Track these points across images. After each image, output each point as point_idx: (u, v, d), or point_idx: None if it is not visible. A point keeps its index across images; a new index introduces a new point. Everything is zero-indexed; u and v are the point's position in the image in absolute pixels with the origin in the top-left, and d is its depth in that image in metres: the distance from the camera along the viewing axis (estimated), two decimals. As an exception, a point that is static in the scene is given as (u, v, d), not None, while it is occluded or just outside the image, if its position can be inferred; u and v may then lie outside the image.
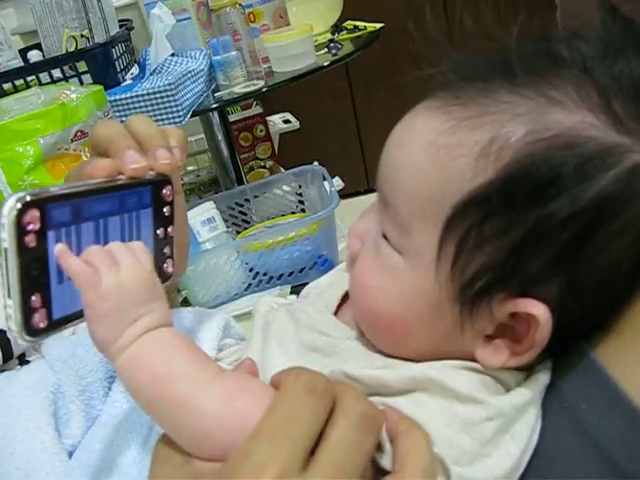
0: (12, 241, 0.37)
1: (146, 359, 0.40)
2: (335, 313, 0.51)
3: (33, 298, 0.39)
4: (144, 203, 0.48)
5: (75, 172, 0.51)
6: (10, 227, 0.37)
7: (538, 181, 0.37)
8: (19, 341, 0.39)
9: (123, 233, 0.46)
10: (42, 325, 0.39)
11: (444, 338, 0.42)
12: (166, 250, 0.51)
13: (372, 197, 0.47)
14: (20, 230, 0.38)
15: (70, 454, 0.52)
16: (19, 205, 0.38)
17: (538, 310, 0.38)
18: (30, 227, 0.38)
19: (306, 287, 0.58)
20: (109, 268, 0.41)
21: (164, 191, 0.50)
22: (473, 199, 0.38)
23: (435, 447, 0.37)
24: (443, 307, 0.41)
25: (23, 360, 0.80)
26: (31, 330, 0.39)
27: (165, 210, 0.50)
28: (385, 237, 0.44)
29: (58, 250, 0.40)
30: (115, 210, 0.45)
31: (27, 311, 0.38)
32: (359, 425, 0.35)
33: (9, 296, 0.38)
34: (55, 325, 0.41)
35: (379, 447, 0.37)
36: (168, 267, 0.51)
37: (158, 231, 0.50)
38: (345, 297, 0.51)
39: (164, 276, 0.51)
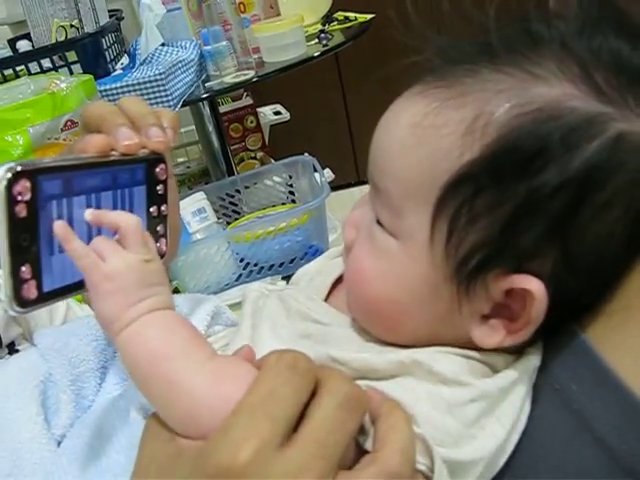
0: (2, 211, 0.37)
1: (145, 337, 0.40)
2: (325, 300, 0.51)
3: (23, 269, 0.39)
4: (137, 180, 0.48)
5: (68, 150, 0.51)
6: (0, 197, 0.37)
7: (525, 154, 0.37)
8: (9, 312, 0.39)
9: (115, 209, 0.46)
10: (32, 296, 0.39)
11: (441, 320, 0.42)
12: (159, 228, 0.51)
13: (363, 189, 0.48)
14: (10, 200, 0.38)
15: (59, 444, 0.52)
16: (9, 175, 0.37)
17: (533, 285, 0.38)
18: (20, 197, 0.38)
19: (295, 274, 0.58)
20: (115, 251, 0.42)
21: (157, 169, 0.50)
22: (462, 176, 0.39)
23: (419, 428, 0.38)
24: (440, 287, 0.41)
25: (12, 349, 0.80)
26: (21, 301, 0.39)
27: (159, 188, 0.50)
28: (379, 223, 0.44)
29: (59, 229, 0.40)
30: (107, 185, 0.45)
31: (17, 282, 0.38)
32: (343, 405, 0.35)
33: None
34: (46, 297, 0.41)
35: (362, 429, 0.38)
36: (162, 245, 0.52)
37: (151, 209, 0.50)
38: (334, 284, 0.51)
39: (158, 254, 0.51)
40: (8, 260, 0.38)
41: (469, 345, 0.42)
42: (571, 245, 0.38)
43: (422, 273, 0.42)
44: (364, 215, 0.46)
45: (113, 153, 0.47)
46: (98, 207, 0.44)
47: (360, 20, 1.64)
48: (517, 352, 0.43)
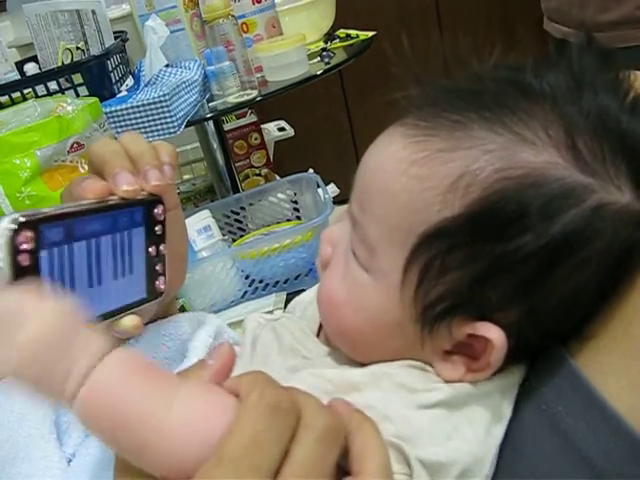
0: (6, 261, 0.39)
1: (98, 406, 0.34)
2: (319, 330, 0.52)
3: None
4: (136, 222, 0.49)
5: (68, 188, 0.52)
6: (4, 247, 0.38)
7: (503, 218, 0.38)
8: None
9: (115, 252, 0.47)
10: None
11: (405, 351, 0.44)
12: (158, 267, 0.52)
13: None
14: (14, 250, 0.39)
15: (69, 462, 0.53)
16: (13, 226, 0.39)
17: (494, 334, 0.40)
18: (23, 247, 0.39)
19: (292, 302, 0.59)
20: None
21: (156, 210, 0.51)
22: (439, 231, 0.40)
23: (393, 425, 0.39)
24: (405, 325, 0.43)
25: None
26: None
27: (157, 229, 0.51)
28: (353, 252, 0.45)
29: None
30: (107, 229, 0.47)
31: None
32: (323, 439, 0.35)
33: None
34: None
35: None
36: (160, 284, 0.52)
37: (150, 249, 0.51)
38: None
39: (155, 293, 0.52)
40: None
41: None
42: (538, 301, 0.40)
43: (389, 310, 0.43)
44: (341, 234, 0.47)
45: (112, 197, 0.48)
46: (98, 251, 0.46)
47: (362, 38, 1.66)
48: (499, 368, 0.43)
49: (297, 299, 0.59)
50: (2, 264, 0.39)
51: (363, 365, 0.45)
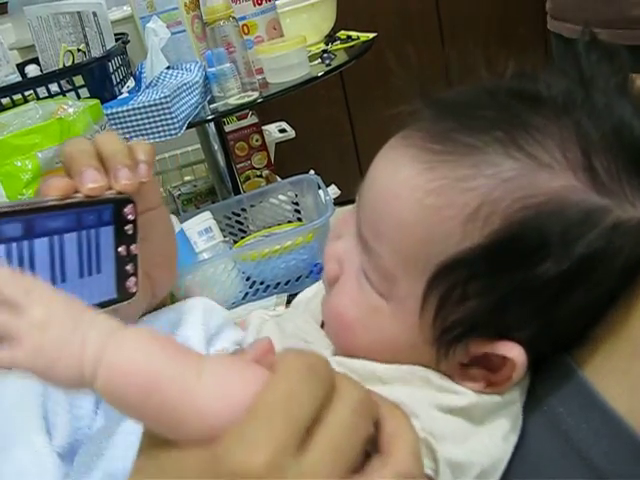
0: None
1: (123, 377, 0.35)
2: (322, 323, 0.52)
3: None
4: (104, 221, 0.49)
5: (36, 191, 0.51)
6: None
7: (524, 247, 0.38)
8: None
9: (81, 250, 0.47)
10: None
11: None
12: (129, 268, 0.51)
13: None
14: None
15: (58, 455, 0.53)
16: None
17: (514, 353, 0.40)
18: None
19: (295, 298, 0.59)
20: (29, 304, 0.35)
21: (125, 210, 0.50)
22: (458, 262, 0.39)
23: (420, 423, 0.38)
24: (419, 347, 0.43)
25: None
26: None
27: (127, 228, 0.51)
28: (365, 275, 0.44)
29: None
30: (71, 227, 0.46)
31: None
32: (357, 411, 0.35)
33: None
34: None
35: None
36: (131, 285, 0.52)
37: (119, 249, 0.50)
38: None
39: (127, 294, 0.51)
40: None
41: None
42: (556, 317, 0.40)
43: (404, 334, 0.43)
44: (348, 252, 0.46)
45: (77, 195, 0.47)
46: (62, 248, 0.45)
47: (363, 39, 1.66)
48: None
49: (300, 295, 0.58)
50: None
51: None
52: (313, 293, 0.57)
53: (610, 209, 0.38)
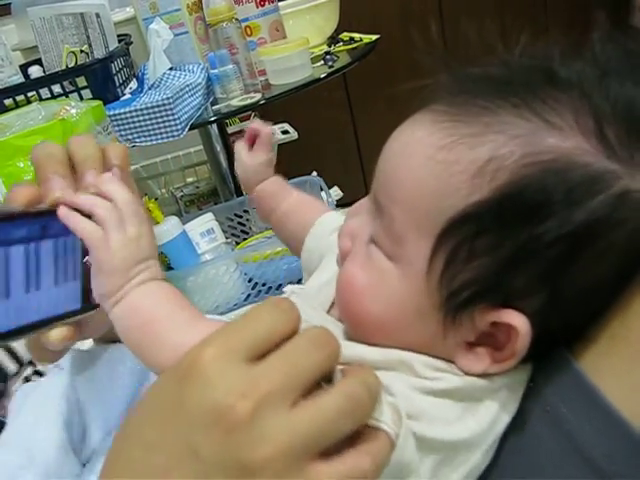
0: None
1: (136, 306, 0.45)
2: (328, 311, 0.52)
3: None
4: (69, 230, 0.47)
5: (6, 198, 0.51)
6: None
7: (531, 203, 0.38)
8: None
9: (44, 260, 0.46)
10: None
11: (426, 343, 0.43)
12: None
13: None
14: None
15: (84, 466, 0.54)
16: None
17: (518, 321, 0.39)
18: None
19: (308, 282, 0.59)
20: (117, 228, 0.46)
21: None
22: (467, 216, 0.39)
23: (393, 397, 0.39)
24: (427, 313, 0.42)
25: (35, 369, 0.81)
26: None
27: None
28: (375, 242, 0.45)
29: (63, 212, 0.45)
30: (34, 236, 0.45)
31: None
32: (313, 340, 0.37)
33: None
34: None
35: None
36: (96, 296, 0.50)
37: (85, 259, 0.49)
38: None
39: (92, 305, 0.50)
40: None
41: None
42: (562, 288, 0.40)
43: (412, 298, 0.43)
44: (361, 226, 0.47)
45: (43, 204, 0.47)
46: (27, 257, 0.45)
47: (365, 41, 1.66)
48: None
49: (312, 281, 0.58)
50: None
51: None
52: (327, 279, 0.56)
53: (619, 175, 0.38)
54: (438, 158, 0.41)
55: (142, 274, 0.46)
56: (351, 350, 0.43)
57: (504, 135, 0.40)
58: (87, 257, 0.48)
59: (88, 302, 0.49)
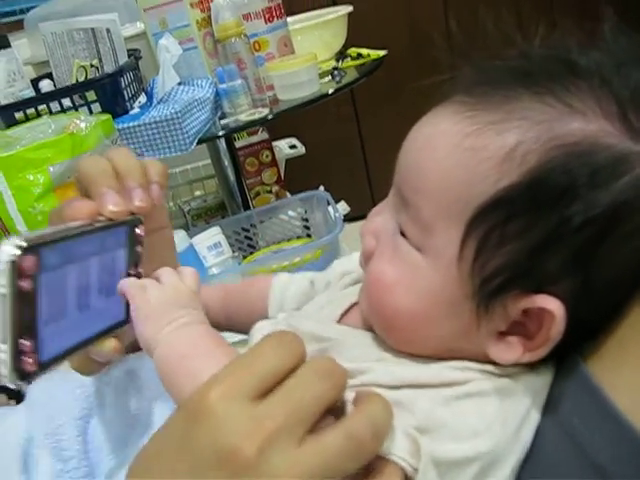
0: (10, 287, 0.38)
1: (175, 344, 0.45)
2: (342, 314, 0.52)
3: (23, 342, 0.39)
4: (120, 242, 0.49)
5: (56, 212, 0.51)
6: (8, 273, 0.38)
7: (560, 186, 0.38)
8: (8, 385, 0.39)
9: (101, 273, 0.47)
10: (32, 368, 0.40)
11: (458, 336, 0.43)
12: None
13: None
14: (17, 276, 0.38)
15: None
16: (17, 251, 0.38)
17: (553, 305, 0.39)
18: (27, 272, 0.39)
19: (334, 263, 0.59)
20: (154, 284, 0.49)
21: (138, 230, 0.51)
22: (497, 201, 0.40)
23: (414, 416, 0.39)
24: (460, 304, 0.42)
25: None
26: (21, 374, 0.39)
27: (137, 248, 0.51)
28: (403, 234, 0.45)
29: (126, 285, 0.48)
30: (96, 250, 0.46)
31: (17, 355, 0.39)
32: (319, 373, 0.37)
33: (2, 341, 0.38)
34: (43, 367, 0.41)
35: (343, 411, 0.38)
36: None
37: (131, 270, 0.50)
38: (344, 314, 0.52)
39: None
40: (11, 334, 0.39)
41: (486, 359, 0.43)
42: (592, 271, 0.40)
43: (444, 289, 0.43)
44: (385, 224, 0.47)
45: (100, 218, 0.47)
46: (87, 273, 0.45)
47: (373, 57, 1.67)
48: (529, 367, 0.43)
49: (309, 306, 0.57)
50: (6, 291, 0.38)
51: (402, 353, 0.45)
52: (328, 299, 0.56)
53: None
54: (465, 145, 0.41)
55: (180, 320, 0.46)
56: (366, 376, 0.42)
57: (528, 121, 0.40)
58: (132, 267, 0.51)
59: (129, 312, 0.50)
